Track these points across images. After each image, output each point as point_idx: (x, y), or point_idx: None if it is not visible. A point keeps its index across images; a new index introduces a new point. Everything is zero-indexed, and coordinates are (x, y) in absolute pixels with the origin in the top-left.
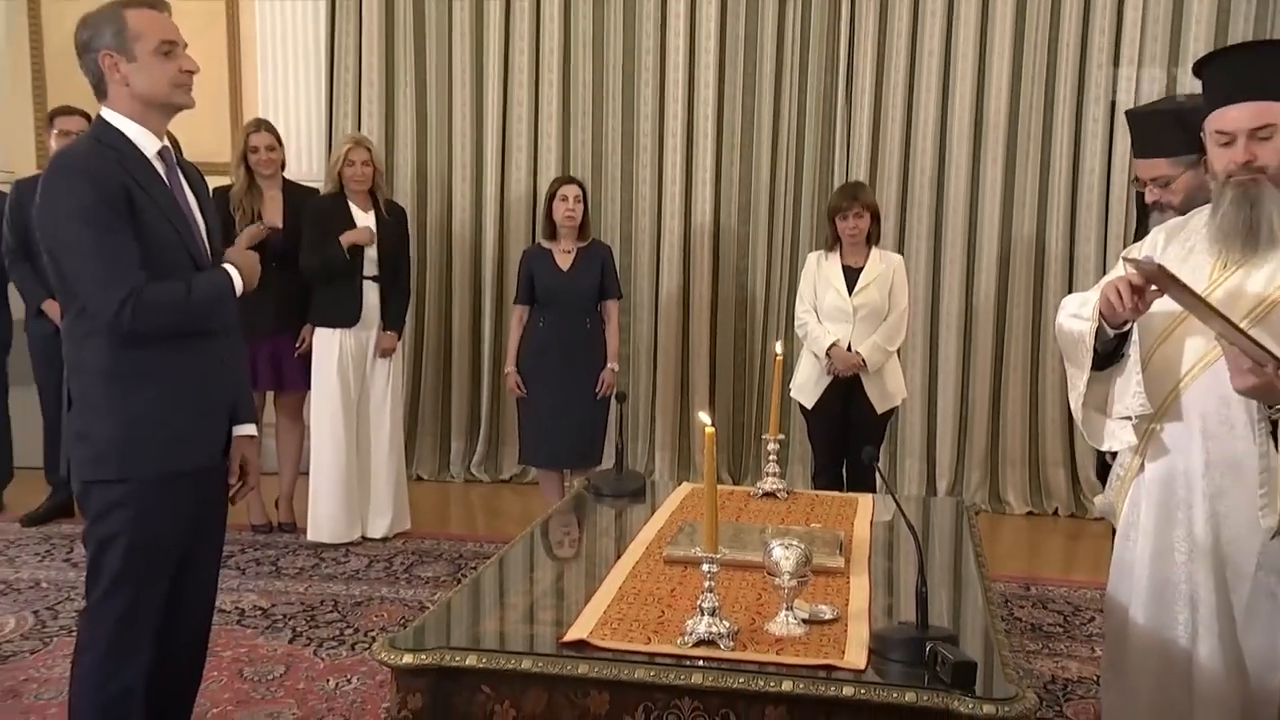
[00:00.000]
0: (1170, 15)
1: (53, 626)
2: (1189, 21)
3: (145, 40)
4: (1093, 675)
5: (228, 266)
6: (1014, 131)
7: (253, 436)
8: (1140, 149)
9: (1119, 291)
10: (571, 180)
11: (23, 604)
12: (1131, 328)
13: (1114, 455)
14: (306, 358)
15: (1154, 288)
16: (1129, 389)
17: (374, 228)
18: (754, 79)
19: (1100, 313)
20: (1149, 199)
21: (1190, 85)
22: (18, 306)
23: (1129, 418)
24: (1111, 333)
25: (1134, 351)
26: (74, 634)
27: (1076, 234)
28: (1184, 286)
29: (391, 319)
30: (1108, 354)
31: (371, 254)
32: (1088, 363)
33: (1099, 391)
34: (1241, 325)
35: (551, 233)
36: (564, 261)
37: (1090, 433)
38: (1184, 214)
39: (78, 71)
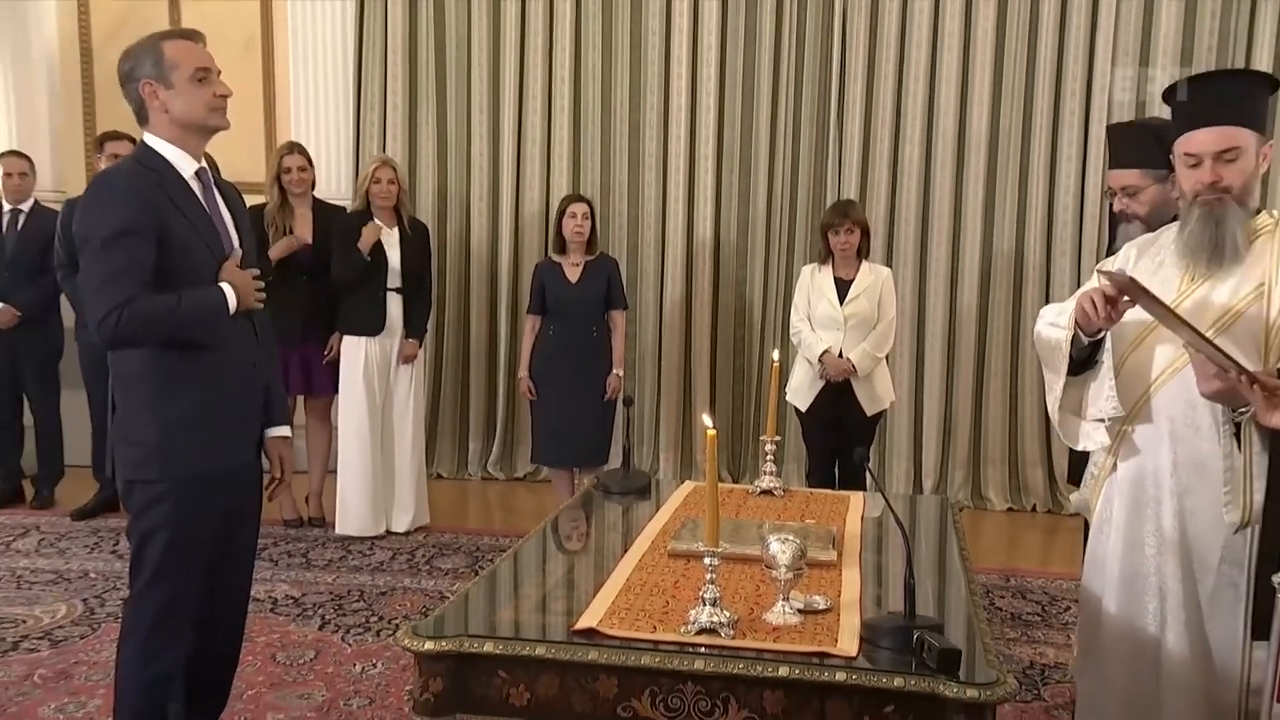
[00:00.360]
0: (1139, 45)
1: (100, 614)
2: (1156, 54)
3: (181, 69)
4: (1068, 660)
5: (223, 284)
6: (994, 153)
7: (286, 437)
8: (1115, 159)
9: (1094, 302)
10: (580, 198)
11: (73, 592)
12: (1105, 336)
13: (1086, 455)
14: (335, 364)
15: (1126, 298)
16: (1102, 393)
17: (398, 256)
18: (752, 104)
19: (1076, 322)
20: (1116, 207)
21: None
22: (67, 315)
23: (1102, 420)
24: (1086, 340)
25: (1107, 358)
26: (119, 621)
27: (1053, 248)
28: (1154, 298)
29: (414, 328)
30: (1083, 360)
31: (395, 267)
32: (1064, 368)
33: (1074, 395)
34: (1207, 334)
35: (561, 247)
36: (573, 274)
37: (1066, 434)
38: (1150, 224)
39: (124, 99)
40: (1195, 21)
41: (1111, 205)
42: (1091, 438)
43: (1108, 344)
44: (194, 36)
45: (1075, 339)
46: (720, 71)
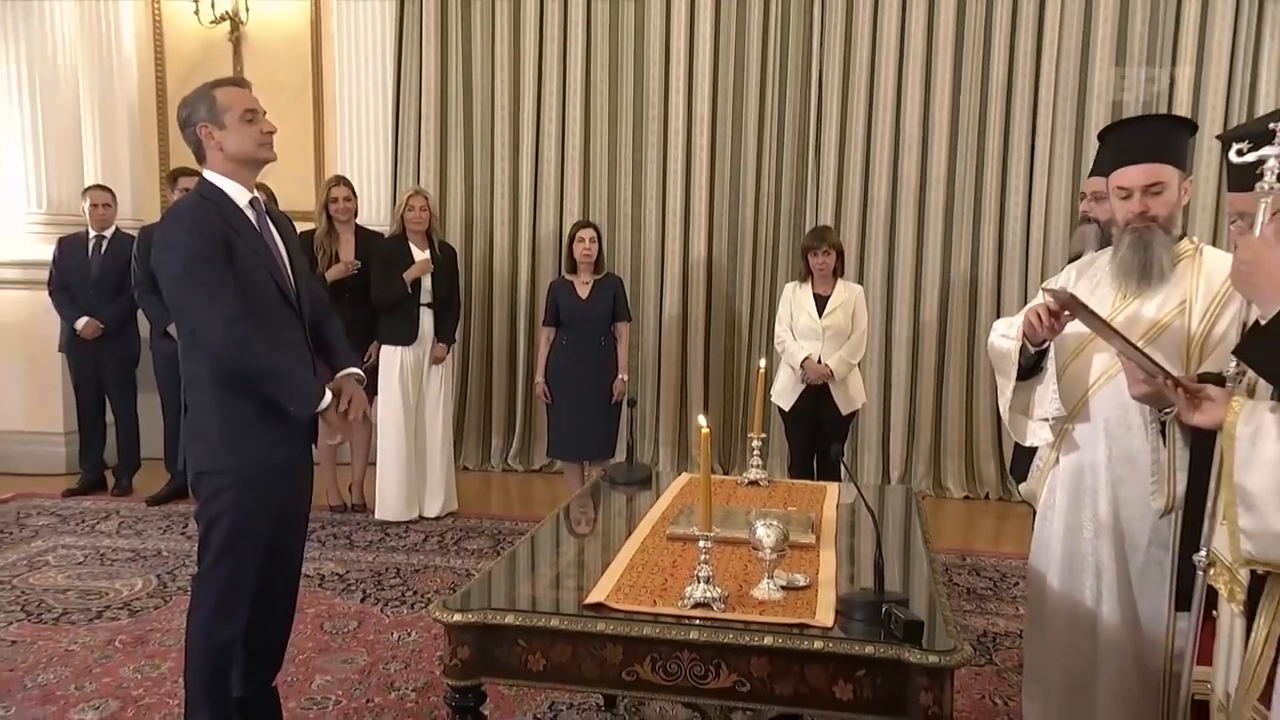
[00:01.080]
0: (1075, 100)
1: (172, 587)
2: (1091, 107)
3: (232, 111)
4: (1017, 629)
5: (330, 392)
6: (951, 188)
7: (354, 373)
8: (1096, 168)
9: (1039, 316)
10: (589, 225)
11: (148, 569)
12: (1049, 346)
13: (1028, 453)
14: (374, 369)
15: (1067, 313)
16: (1046, 396)
17: (430, 275)
18: (740, 143)
19: (1024, 333)
20: (1082, 208)
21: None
22: (142, 327)
23: (1047, 419)
24: (1033, 350)
25: (1050, 366)
26: (188, 594)
27: (1003, 269)
28: (1092, 313)
29: (443, 335)
30: (1030, 367)
31: (427, 285)
32: (1014, 374)
33: (1023, 398)
34: (1138, 344)
35: (573, 267)
36: (583, 291)
37: (1015, 432)
38: (1104, 230)
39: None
40: (1125, 70)
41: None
42: (1037, 435)
43: (1051, 353)
44: (241, 83)
45: (1023, 349)
46: (712, 114)
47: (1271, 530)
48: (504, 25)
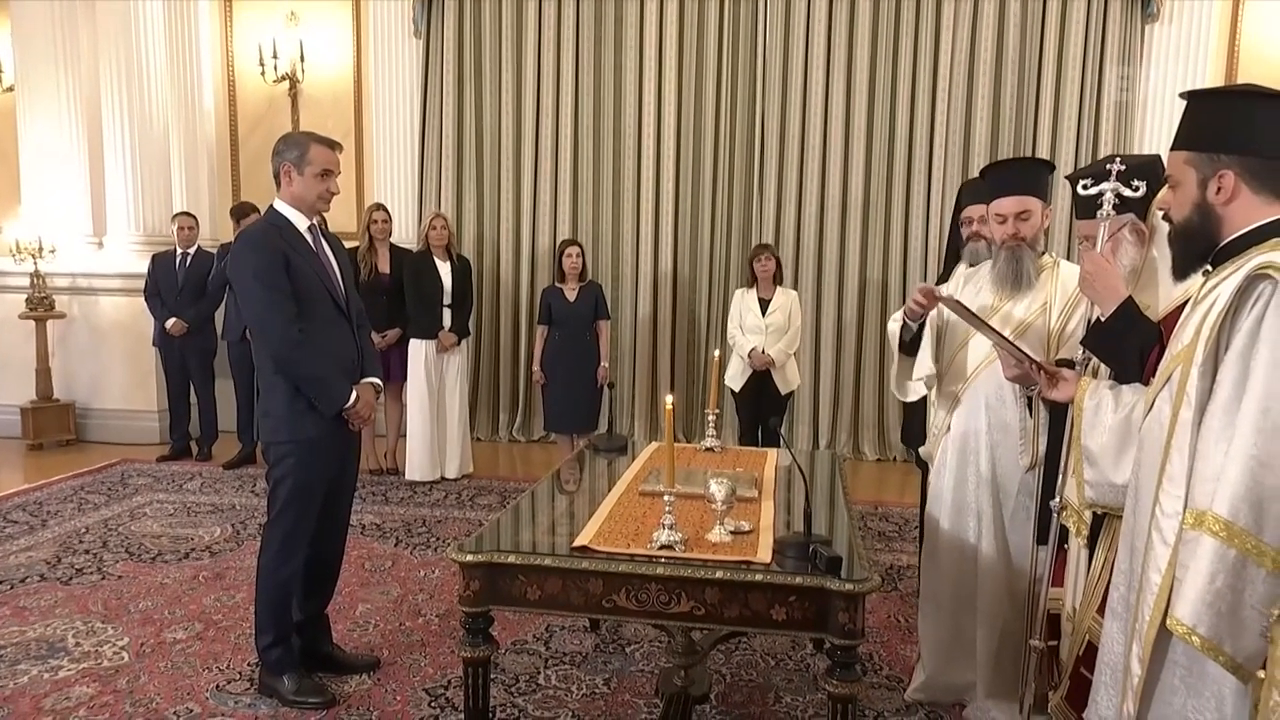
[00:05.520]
0: (961, 142)
1: (244, 534)
2: (973, 148)
3: (314, 165)
4: (915, 563)
5: (355, 391)
6: (867, 210)
7: (372, 383)
8: (975, 198)
9: (916, 303)
10: (574, 242)
11: (224, 520)
12: (923, 325)
13: (915, 425)
14: (403, 358)
15: (938, 296)
16: (922, 363)
17: (450, 282)
18: (698, 176)
19: (905, 317)
20: (974, 229)
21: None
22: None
23: (921, 379)
24: (914, 327)
25: (926, 340)
26: (257, 539)
27: (907, 275)
28: (973, 314)
29: (457, 327)
30: (911, 342)
31: (448, 289)
32: (897, 347)
33: (907, 365)
34: (1009, 337)
35: (561, 276)
36: (571, 295)
37: (899, 391)
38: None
39: (259, 174)
40: (999, 117)
41: (958, 231)
42: (916, 391)
43: (926, 331)
44: (334, 146)
45: (905, 328)
46: (676, 152)
47: (1109, 481)
48: (508, 80)
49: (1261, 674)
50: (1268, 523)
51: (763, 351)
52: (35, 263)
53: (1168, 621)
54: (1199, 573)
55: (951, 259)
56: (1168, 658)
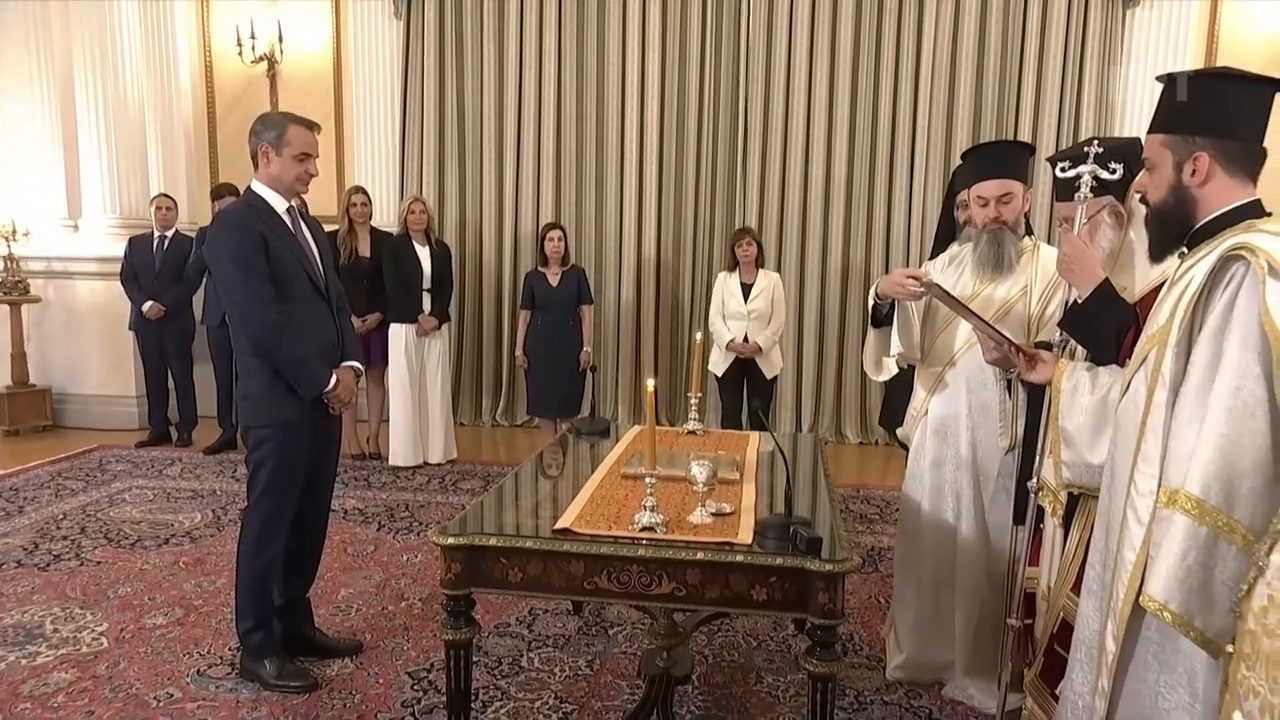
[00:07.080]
0: (944, 127)
1: (224, 519)
2: (955, 133)
3: (292, 147)
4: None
5: (336, 374)
6: (850, 194)
7: (351, 366)
8: (961, 182)
9: (901, 285)
10: (557, 226)
11: (205, 505)
12: (894, 304)
13: (894, 408)
14: (384, 343)
15: (924, 276)
16: (893, 340)
17: (429, 266)
18: (682, 160)
19: (879, 292)
20: (963, 217)
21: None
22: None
23: (892, 356)
24: (884, 305)
25: (895, 319)
26: (238, 524)
27: (890, 259)
28: (954, 298)
29: (436, 311)
30: (885, 318)
31: (428, 273)
32: (871, 322)
33: (882, 342)
34: (990, 320)
35: (544, 260)
36: (553, 280)
37: (871, 370)
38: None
39: (238, 156)
40: (982, 102)
41: (952, 213)
42: (887, 369)
43: (897, 311)
44: (313, 128)
45: (877, 305)
46: (660, 137)
47: (1085, 461)
48: (490, 61)
49: (1231, 649)
50: (1238, 501)
51: (746, 339)
52: (9, 246)
53: (1140, 598)
54: (1171, 550)
55: (943, 240)
56: (1141, 634)
